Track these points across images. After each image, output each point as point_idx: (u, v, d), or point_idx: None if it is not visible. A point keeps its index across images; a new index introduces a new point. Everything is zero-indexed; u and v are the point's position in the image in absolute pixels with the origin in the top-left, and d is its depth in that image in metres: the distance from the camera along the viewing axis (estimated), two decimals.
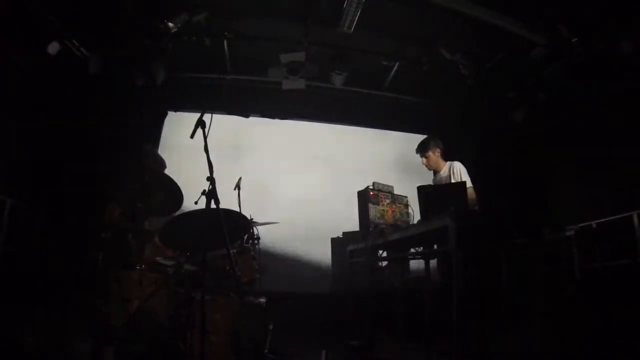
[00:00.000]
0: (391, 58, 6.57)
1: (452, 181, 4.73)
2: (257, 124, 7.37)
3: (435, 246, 4.22)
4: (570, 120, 6.02)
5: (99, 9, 5.20)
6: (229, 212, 3.85)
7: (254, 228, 4.70)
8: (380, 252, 4.91)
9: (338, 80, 6.77)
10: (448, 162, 5.02)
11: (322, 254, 6.92)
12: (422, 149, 5.16)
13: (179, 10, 5.33)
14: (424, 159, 5.16)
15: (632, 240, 4.43)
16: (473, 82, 6.34)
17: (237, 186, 4.93)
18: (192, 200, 3.11)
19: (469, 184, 4.54)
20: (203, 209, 2.99)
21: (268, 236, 6.80)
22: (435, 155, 5.07)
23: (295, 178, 7.28)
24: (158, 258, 3.77)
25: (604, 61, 5.34)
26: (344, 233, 6.95)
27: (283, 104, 7.28)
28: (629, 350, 3.25)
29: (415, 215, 4.82)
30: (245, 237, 4.38)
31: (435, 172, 5.18)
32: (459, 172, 4.83)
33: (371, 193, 4.89)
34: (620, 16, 4.89)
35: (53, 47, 5.25)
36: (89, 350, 3.11)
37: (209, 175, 3.03)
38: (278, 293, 6.46)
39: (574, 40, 5.28)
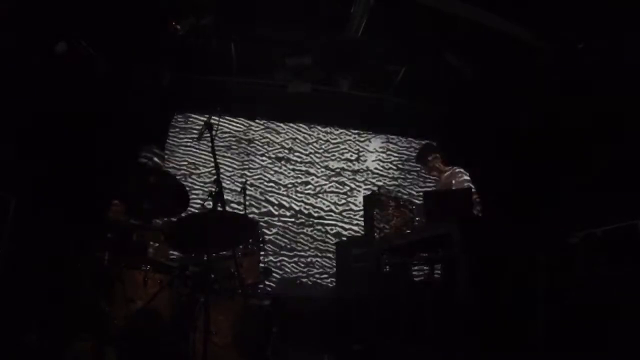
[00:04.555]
0: (397, 63, 6.61)
1: (454, 187, 4.71)
2: (263, 126, 7.42)
3: (440, 251, 4.21)
4: (574, 124, 6.00)
5: (107, 9, 5.23)
6: (234, 214, 3.87)
7: (260, 230, 4.71)
8: (385, 256, 4.90)
9: (344, 84, 6.80)
10: (450, 167, 4.99)
11: (327, 257, 6.93)
12: (420, 158, 5.14)
13: (187, 12, 5.37)
14: (424, 167, 5.15)
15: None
16: (477, 87, 6.35)
17: (243, 188, 4.95)
18: (198, 201, 3.12)
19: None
20: (209, 210, 3.00)
21: (273, 239, 6.83)
22: (434, 161, 5.05)
23: (301, 181, 7.29)
24: (163, 259, 3.78)
25: (609, 67, 5.34)
26: (348, 237, 6.96)
27: (289, 107, 7.30)
28: None
29: (421, 220, 4.81)
30: (251, 239, 4.38)
31: (438, 178, 5.16)
32: (459, 177, 4.80)
33: (377, 198, 4.88)
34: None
35: (61, 47, 5.28)
36: (91, 349, 3.11)
37: (215, 177, 3.04)
38: (282, 296, 6.51)
39: (579, 46, 5.30)
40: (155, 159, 4.51)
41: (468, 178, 4.81)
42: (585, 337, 3.49)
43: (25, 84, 5.15)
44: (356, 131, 7.81)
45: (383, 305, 4.51)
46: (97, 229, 3.80)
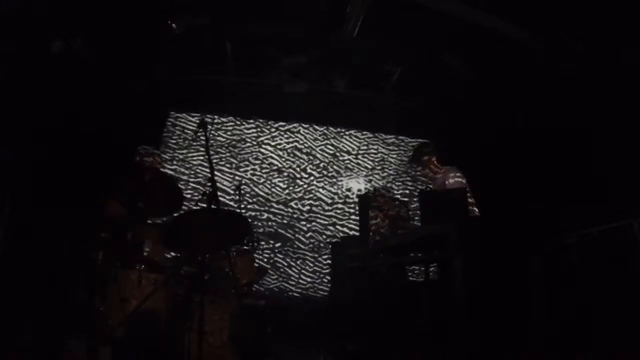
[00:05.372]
0: (393, 63, 6.61)
1: (448, 187, 4.69)
2: (258, 125, 7.41)
3: (435, 252, 4.20)
4: (571, 124, 6.02)
5: (103, 8, 5.21)
6: (229, 214, 3.85)
7: (254, 230, 4.69)
8: (380, 256, 4.89)
9: (340, 84, 6.80)
10: (445, 167, 4.96)
11: (322, 257, 6.92)
12: (415, 158, 5.11)
13: (183, 11, 5.36)
14: (419, 167, 5.12)
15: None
16: (473, 86, 6.37)
17: (238, 188, 4.93)
18: (193, 201, 3.10)
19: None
20: (203, 210, 2.99)
21: (268, 239, 6.83)
22: (429, 161, 5.01)
23: (296, 181, 7.29)
24: (157, 258, 3.76)
25: (606, 67, 5.36)
26: (343, 237, 6.95)
27: (285, 107, 7.30)
28: None
29: (416, 220, 4.80)
30: (245, 239, 4.36)
31: (433, 178, 5.13)
32: (455, 177, 4.77)
33: (372, 197, 4.87)
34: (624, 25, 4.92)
35: (56, 46, 5.26)
36: (85, 349, 3.10)
37: (209, 176, 3.02)
38: (277, 296, 6.50)
39: (577, 46, 5.32)
40: (154, 159, 4.50)
41: (462, 178, 4.79)
42: (584, 336, 3.50)
43: (22, 83, 5.13)
44: (353, 130, 7.83)
45: (378, 306, 4.50)
46: (92, 228, 3.77)
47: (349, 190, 7.47)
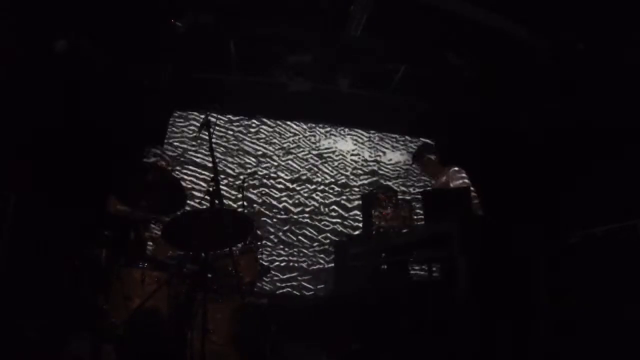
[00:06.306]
0: (396, 62, 6.60)
1: (451, 185, 4.68)
2: (261, 124, 7.42)
3: (439, 251, 4.19)
4: (574, 123, 6.00)
5: (106, 7, 5.22)
6: (232, 212, 3.85)
7: (257, 229, 4.69)
8: (383, 255, 4.89)
9: (344, 83, 6.79)
10: (447, 167, 4.95)
11: (325, 256, 6.92)
12: (416, 158, 5.11)
13: (186, 9, 5.36)
14: (421, 167, 5.11)
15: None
16: (476, 86, 6.37)
17: (241, 187, 4.93)
18: (196, 199, 3.10)
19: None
20: (206, 208, 2.99)
21: (271, 237, 6.83)
22: (431, 161, 5.00)
23: (300, 179, 7.29)
24: (160, 257, 3.76)
25: (609, 67, 5.34)
26: (347, 236, 6.95)
27: (288, 106, 7.30)
28: None
29: (419, 219, 4.79)
30: (249, 237, 4.36)
31: (435, 178, 5.12)
32: (457, 176, 4.75)
33: (375, 196, 4.86)
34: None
35: (60, 45, 5.28)
36: (89, 347, 3.10)
37: (213, 175, 3.03)
38: (280, 294, 6.51)
39: (579, 46, 5.32)
40: (162, 158, 4.51)
41: (466, 177, 4.77)
42: (586, 337, 3.48)
43: (24, 82, 5.15)
44: (356, 129, 7.82)
45: (382, 305, 4.50)
46: (95, 226, 3.78)
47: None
